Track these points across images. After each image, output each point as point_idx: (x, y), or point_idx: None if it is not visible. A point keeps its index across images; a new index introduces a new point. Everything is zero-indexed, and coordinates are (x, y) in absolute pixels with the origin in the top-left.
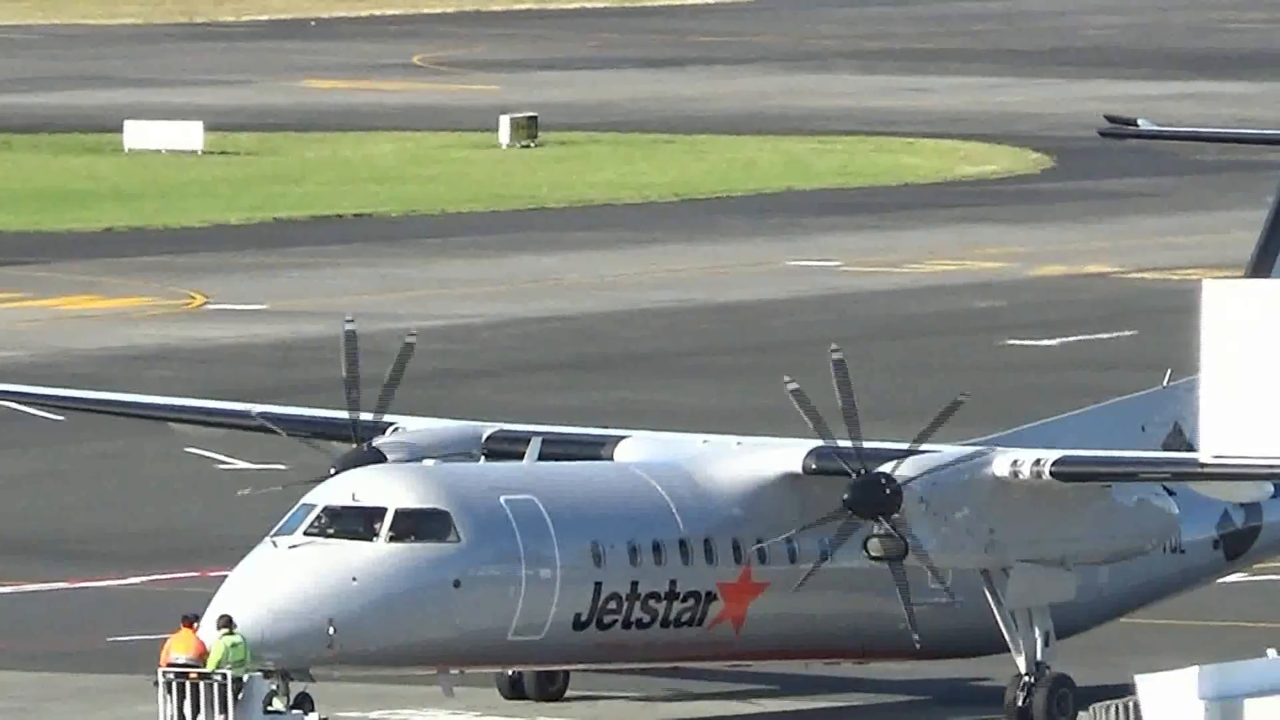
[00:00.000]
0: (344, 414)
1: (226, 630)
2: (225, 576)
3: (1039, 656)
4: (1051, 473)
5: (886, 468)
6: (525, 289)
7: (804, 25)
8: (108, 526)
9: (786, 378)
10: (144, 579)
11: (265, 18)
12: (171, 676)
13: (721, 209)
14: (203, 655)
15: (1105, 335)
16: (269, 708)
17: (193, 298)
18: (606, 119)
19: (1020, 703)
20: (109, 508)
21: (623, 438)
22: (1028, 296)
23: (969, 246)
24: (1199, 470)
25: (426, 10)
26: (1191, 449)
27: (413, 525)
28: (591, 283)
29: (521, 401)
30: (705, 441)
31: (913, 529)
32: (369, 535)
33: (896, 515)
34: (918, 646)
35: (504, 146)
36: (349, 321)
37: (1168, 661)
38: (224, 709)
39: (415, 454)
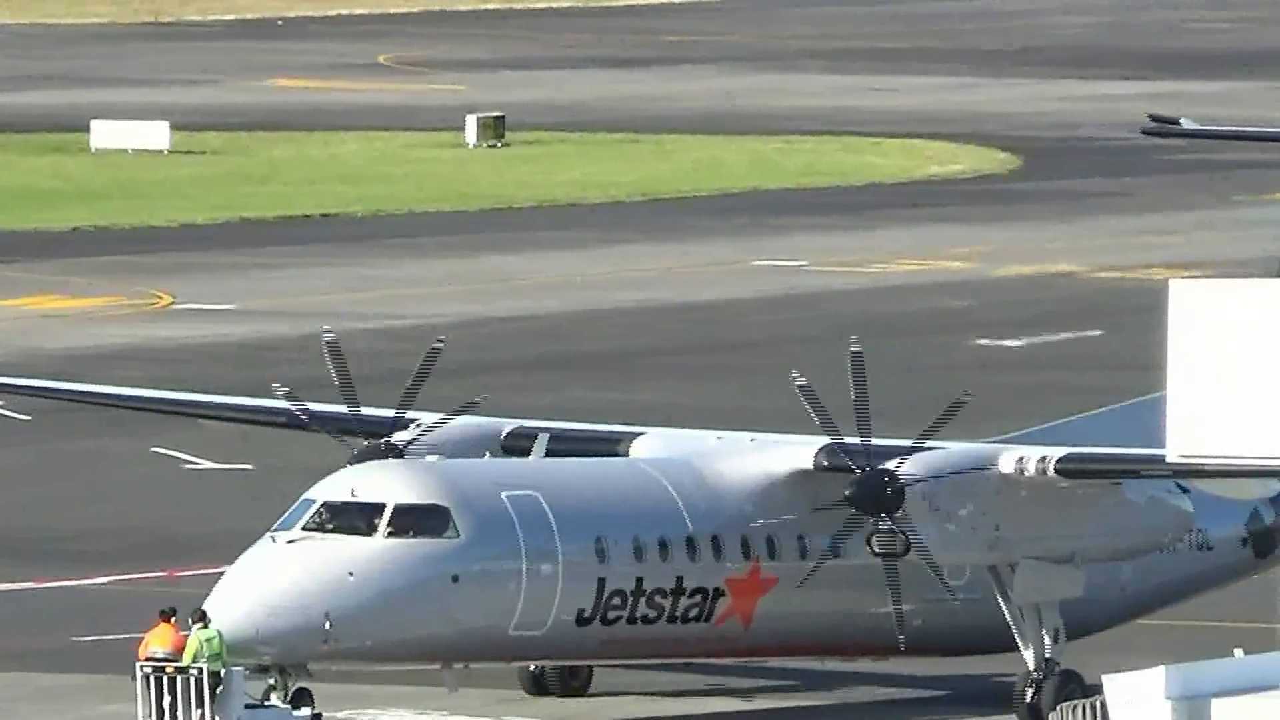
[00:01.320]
0: (375, 411)
1: (202, 624)
2: (191, 576)
3: (1048, 653)
4: (1056, 469)
5: (889, 465)
6: (491, 289)
7: (770, 25)
8: (74, 526)
9: (795, 373)
10: (110, 578)
11: (232, 17)
12: (149, 671)
13: (688, 209)
14: (181, 649)
15: (1072, 335)
16: (266, 702)
17: (160, 297)
18: (573, 119)
19: (1029, 699)
20: (75, 507)
21: (639, 434)
22: (995, 296)
23: (936, 246)
24: (1204, 468)
25: (393, 10)
26: None
27: (411, 521)
28: (558, 282)
29: (488, 402)
30: (719, 438)
31: (915, 526)
32: (367, 531)
33: (899, 512)
34: (901, 648)
35: (471, 146)
36: (328, 333)
37: (1176, 660)
38: (200, 703)
39: (433, 450)
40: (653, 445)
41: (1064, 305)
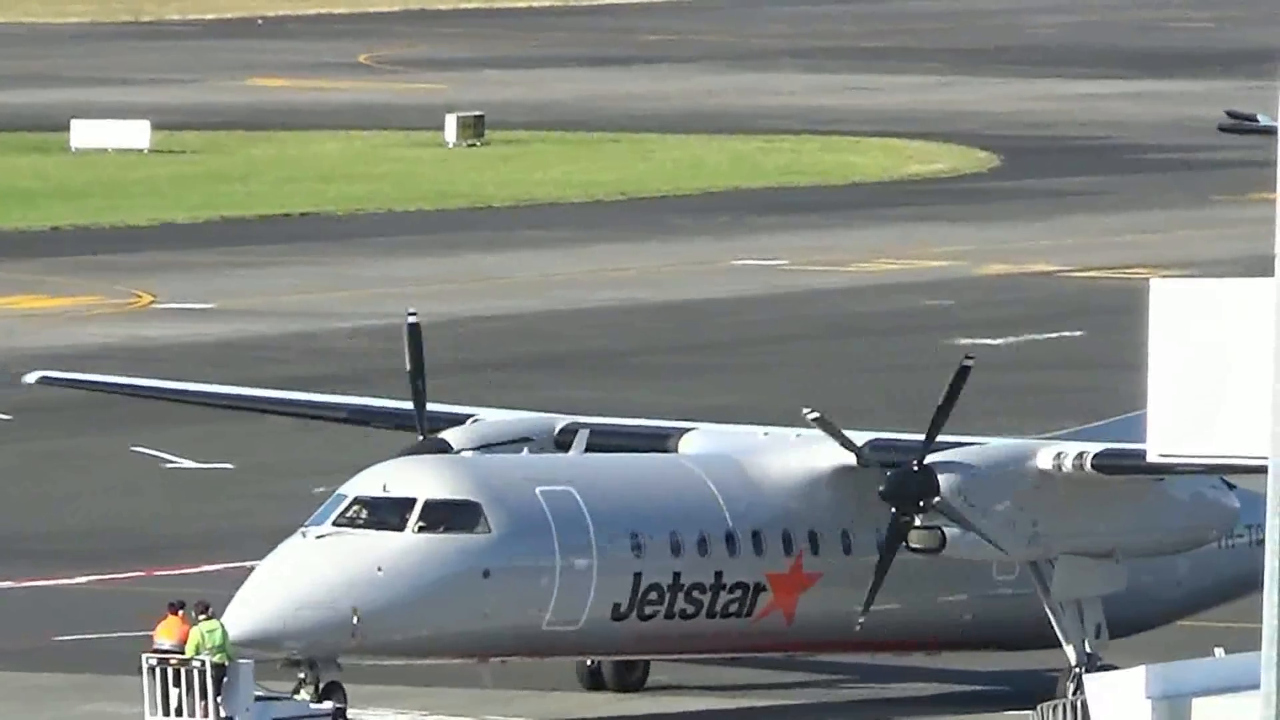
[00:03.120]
0: (434, 407)
1: (204, 615)
2: (169, 576)
3: (1089, 648)
4: (1093, 465)
5: (926, 460)
6: (471, 288)
7: (750, 24)
8: (54, 525)
9: (806, 410)
10: (90, 578)
11: (212, 17)
12: (155, 662)
13: (668, 208)
14: (186, 641)
15: (1052, 334)
16: (295, 697)
17: (139, 297)
18: (553, 118)
19: (1070, 694)
20: (55, 506)
21: (687, 430)
22: (975, 295)
23: (916, 245)
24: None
25: (373, 9)
26: None
27: (442, 516)
28: (538, 281)
29: (468, 401)
30: (766, 434)
31: (950, 522)
32: (398, 526)
33: (938, 500)
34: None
35: (450, 145)
36: (411, 314)
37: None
38: (204, 694)
39: (482, 446)
40: (700, 441)
41: (1044, 305)
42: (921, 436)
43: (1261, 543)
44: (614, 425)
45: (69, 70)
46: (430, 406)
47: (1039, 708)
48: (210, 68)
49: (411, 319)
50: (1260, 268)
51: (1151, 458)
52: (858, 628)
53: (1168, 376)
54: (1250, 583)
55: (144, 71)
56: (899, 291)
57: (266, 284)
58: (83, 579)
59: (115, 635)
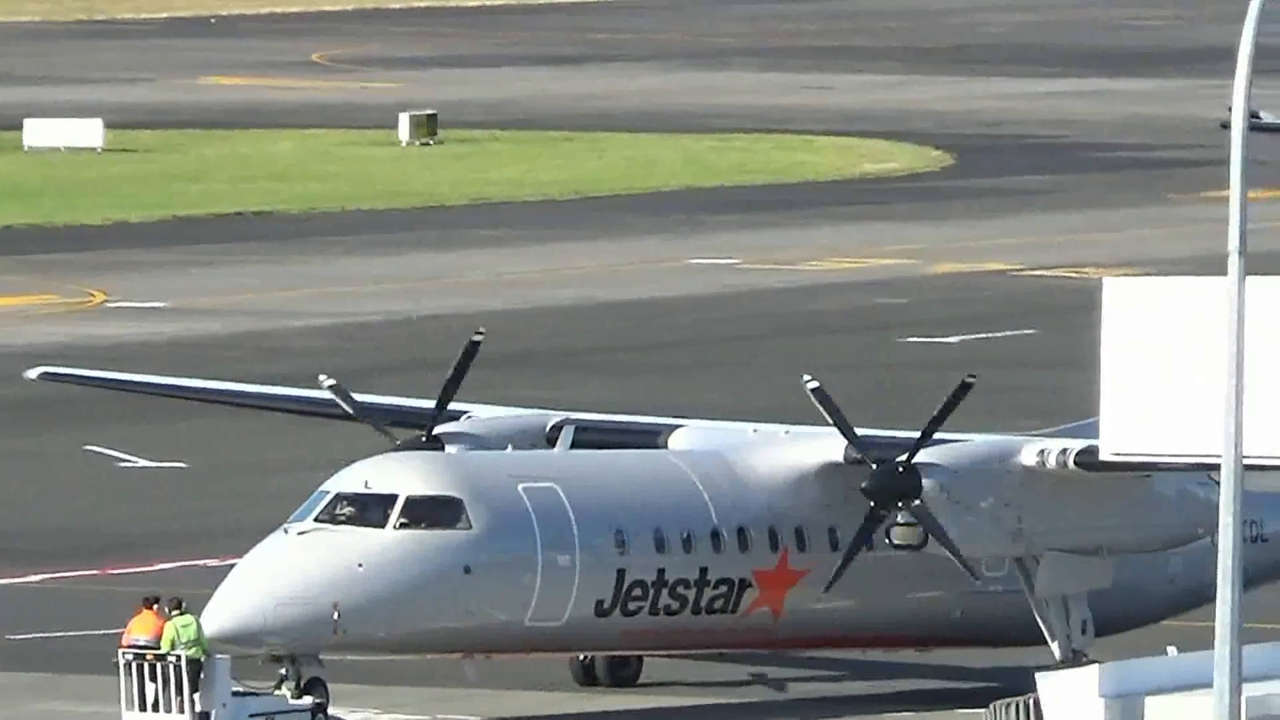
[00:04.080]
0: (416, 402)
1: (178, 611)
2: (125, 574)
3: (1075, 645)
4: (1076, 462)
5: (908, 457)
6: (425, 287)
7: (704, 23)
8: (7, 524)
9: (806, 376)
10: (43, 576)
11: (165, 15)
12: (130, 658)
13: (622, 207)
14: (161, 636)
15: (1005, 333)
16: (276, 692)
17: (93, 296)
18: (507, 116)
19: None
20: (8, 505)
21: (677, 427)
22: (928, 294)
23: (869, 244)
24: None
25: (326, 8)
26: None
27: (423, 512)
28: (492, 281)
29: (423, 400)
30: (755, 430)
31: (934, 517)
32: (379, 522)
33: (917, 504)
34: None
35: (404, 144)
36: (480, 333)
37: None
38: (180, 690)
39: (475, 443)
40: (689, 438)
41: (997, 303)
42: (899, 434)
43: (1256, 540)
44: (603, 422)
45: (22, 69)
46: (412, 403)
47: (992, 706)
48: (164, 66)
49: (477, 338)
50: (1214, 266)
51: (1104, 456)
52: (818, 602)
53: (1120, 375)
54: (1246, 579)
55: (97, 70)
56: (852, 290)
57: (220, 283)
58: (36, 578)
59: (69, 634)
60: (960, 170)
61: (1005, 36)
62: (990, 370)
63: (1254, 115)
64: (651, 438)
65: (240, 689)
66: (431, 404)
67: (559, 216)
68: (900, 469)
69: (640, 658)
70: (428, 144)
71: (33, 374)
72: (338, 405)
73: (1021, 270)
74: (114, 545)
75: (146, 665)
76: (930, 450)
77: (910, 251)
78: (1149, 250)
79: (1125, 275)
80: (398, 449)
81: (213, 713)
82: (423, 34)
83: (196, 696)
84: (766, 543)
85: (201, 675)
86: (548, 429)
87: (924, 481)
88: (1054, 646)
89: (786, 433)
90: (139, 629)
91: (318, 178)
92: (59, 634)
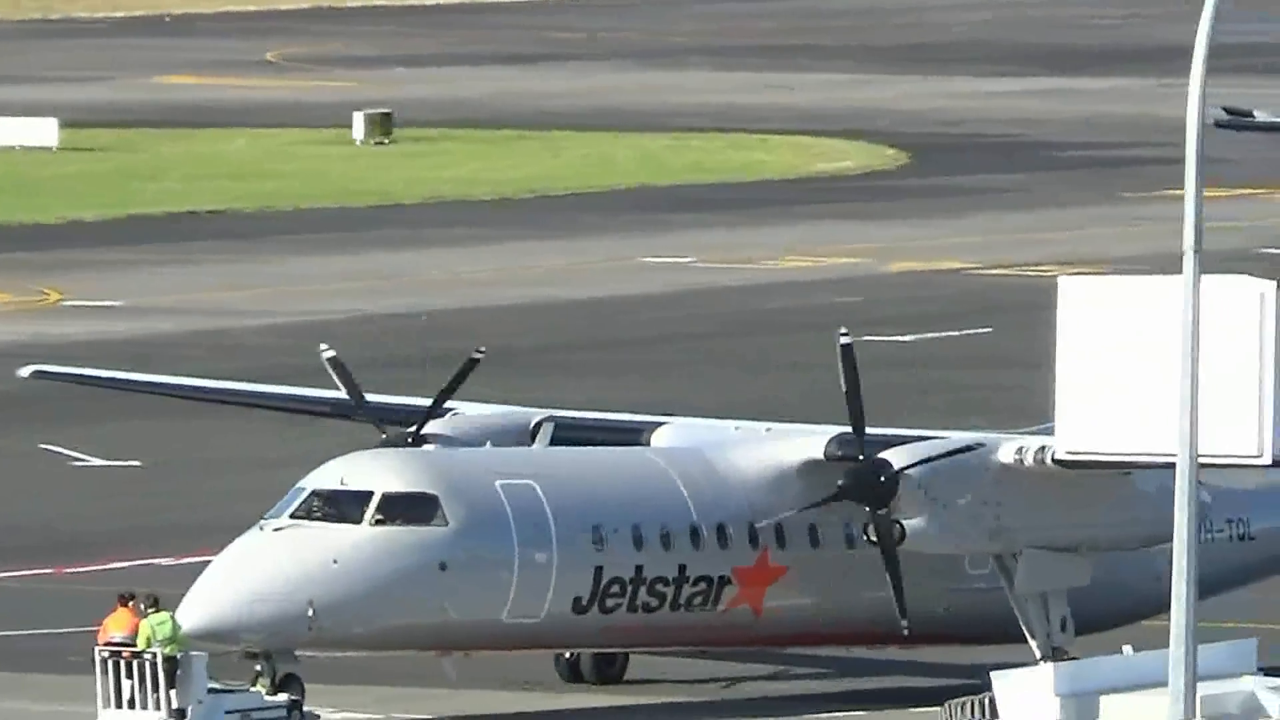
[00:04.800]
0: (410, 400)
1: (153, 608)
2: (79, 573)
3: (1055, 642)
4: (1055, 460)
5: (884, 455)
6: (380, 286)
7: (659, 22)
8: None
9: (841, 330)
10: None
11: (120, 14)
12: (107, 655)
13: (577, 205)
14: (137, 633)
15: (961, 332)
16: (252, 689)
17: (47, 294)
18: (461, 115)
19: None
20: None
21: (660, 424)
22: (883, 293)
23: (824, 243)
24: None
25: (281, 7)
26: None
27: (399, 509)
28: (447, 279)
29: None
30: (737, 428)
31: (911, 515)
32: (355, 518)
33: (893, 502)
34: (905, 633)
35: (359, 143)
36: (327, 350)
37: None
38: (156, 687)
39: (458, 440)
40: (672, 435)
41: (953, 302)
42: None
43: (1243, 538)
44: (586, 419)
45: None
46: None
47: (946, 705)
48: (119, 65)
49: (478, 355)
50: (1169, 265)
51: (1059, 455)
52: (905, 633)
53: (1075, 374)
54: (1233, 577)
55: (52, 69)
56: (807, 289)
57: (175, 282)
58: None
59: (25, 633)
60: (916, 169)
61: (961, 35)
62: (946, 369)
63: (1248, 114)
64: (635, 435)
65: (217, 686)
66: (402, 399)
67: (514, 215)
68: (879, 467)
69: (626, 655)
70: (383, 143)
71: (24, 372)
72: (335, 405)
73: (977, 269)
74: (68, 544)
75: (123, 662)
76: (908, 449)
77: (866, 250)
78: (1105, 249)
79: (1081, 274)
80: (382, 444)
81: (189, 709)
82: (377, 32)
83: (173, 693)
84: (746, 540)
85: (178, 672)
86: (531, 426)
87: (901, 480)
88: (1034, 644)
89: (768, 430)
90: (115, 626)
91: (273, 176)
92: (14, 633)
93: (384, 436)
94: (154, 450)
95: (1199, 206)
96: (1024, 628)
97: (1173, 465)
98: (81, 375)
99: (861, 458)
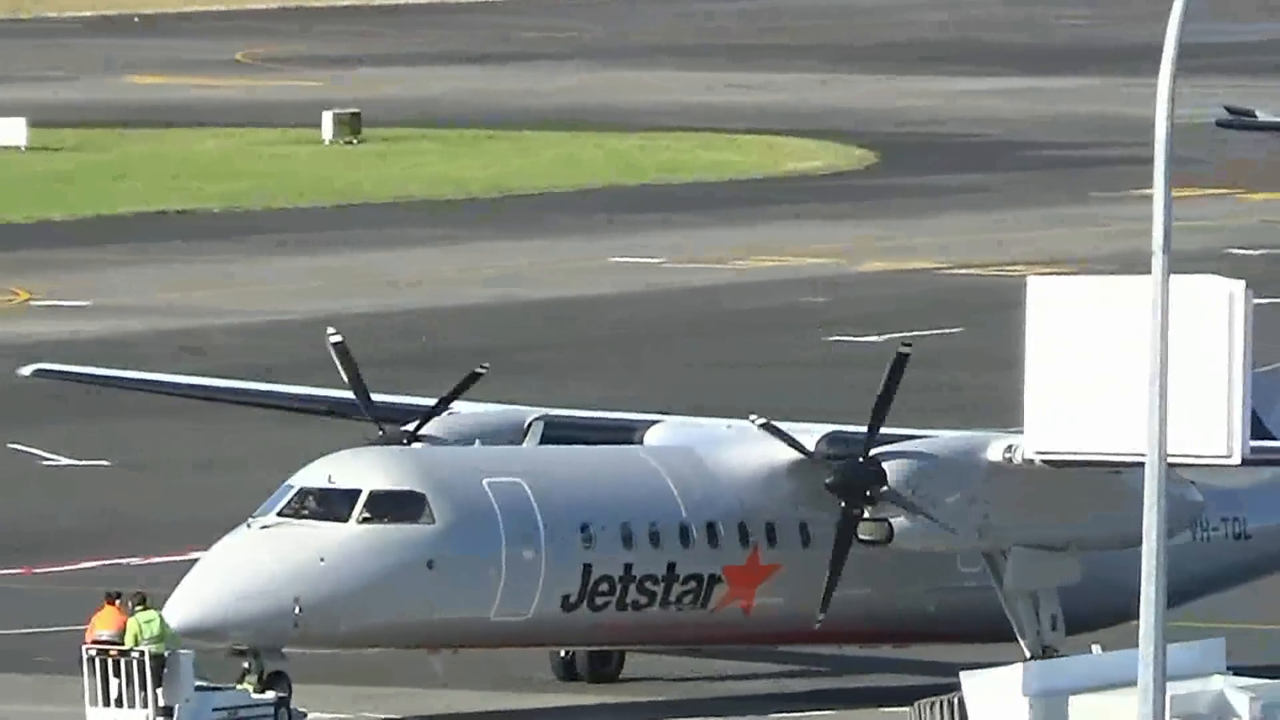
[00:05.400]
0: (410, 399)
1: (141, 606)
2: (50, 573)
3: (1045, 640)
4: (1024, 459)
5: (873, 453)
6: (348, 285)
7: (628, 21)
8: None
9: (752, 417)
10: None
11: (90, 14)
12: (94, 653)
13: (545, 205)
14: (124, 631)
15: (931, 331)
16: (239, 687)
17: (15, 294)
18: (430, 115)
19: None
20: None
21: (654, 423)
22: (852, 292)
23: (793, 243)
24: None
25: (250, 6)
26: (1270, 438)
27: (386, 507)
28: (415, 279)
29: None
30: (729, 426)
31: (899, 514)
32: (342, 516)
33: (881, 500)
34: (816, 626)
35: (327, 142)
36: (334, 334)
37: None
38: (144, 685)
39: (453, 439)
40: (665, 434)
41: (922, 302)
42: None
43: (1239, 536)
44: (580, 418)
45: None
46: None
47: (916, 705)
48: (88, 65)
49: (481, 370)
50: (1138, 265)
51: (1028, 454)
52: (816, 625)
53: (1045, 374)
54: (1230, 576)
55: (21, 68)
56: (776, 289)
57: (143, 281)
58: None
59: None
60: (884, 169)
61: (929, 35)
62: (915, 369)
63: (1250, 113)
64: (628, 434)
65: (205, 684)
66: (402, 399)
67: (483, 215)
68: (867, 465)
69: (621, 654)
70: (351, 142)
71: (25, 371)
72: (339, 403)
73: (946, 269)
74: (38, 544)
75: (110, 661)
76: (895, 447)
77: (834, 250)
78: (1073, 249)
79: (1050, 274)
80: (379, 442)
81: (176, 708)
82: (346, 32)
83: (160, 691)
84: (737, 538)
85: (165, 670)
86: (526, 424)
87: (888, 472)
88: (1024, 642)
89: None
90: (102, 624)
91: (241, 176)
92: None
93: (380, 434)
94: (122, 449)
95: (1168, 206)
96: (1014, 626)
97: (1142, 465)
98: (83, 374)
99: (849, 457)
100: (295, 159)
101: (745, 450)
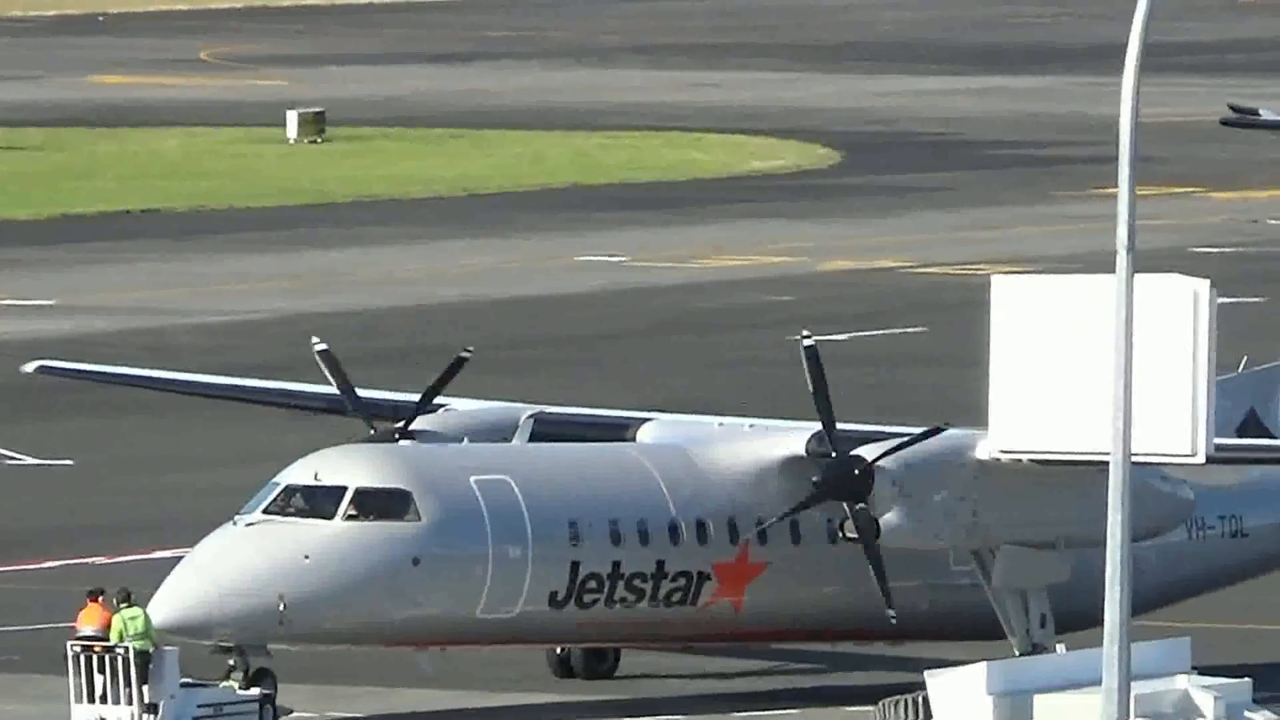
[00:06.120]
0: (400, 396)
1: (125, 603)
2: (11, 572)
3: (1035, 638)
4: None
5: (860, 451)
6: (314, 284)
7: (592, 20)
8: None
9: (805, 333)
10: None
11: (54, 13)
12: (78, 650)
13: (510, 204)
14: (108, 627)
15: (895, 330)
16: (224, 684)
17: None
18: (394, 114)
19: None
20: None
21: (646, 420)
22: (816, 292)
23: (758, 242)
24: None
25: (214, 5)
26: (1269, 435)
27: (372, 504)
28: (380, 278)
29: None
30: (720, 424)
31: (886, 511)
32: (328, 514)
33: (868, 498)
34: (893, 623)
35: (292, 141)
36: (319, 344)
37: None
38: (128, 682)
39: (446, 436)
40: (657, 432)
41: (887, 301)
42: (859, 428)
43: (1236, 535)
44: (572, 415)
45: None
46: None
47: (880, 704)
48: (52, 65)
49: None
50: (1101, 264)
51: (992, 453)
52: (892, 623)
53: (1009, 372)
54: (1227, 575)
55: None
56: (741, 288)
57: (108, 281)
58: None
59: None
60: (848, 168)
61: (893, 34)
62: (879, 367)
63: (1254, 112)
64: (620, 431)
65: (190, 680)
66: (393, 395)
67: (447, 214)
68: (854, 463)
69: (617, 651)
70: (315, 141)
71: (29, 367)
72: (331, 400)
73: (910, 268)
74: (1, 543)
75: (95, 657)
76: (884, 445)
77: (799, 249)
78: (1037, 248)
79: (1014, 273)
80: (370, 439)
81: (161, 704)
82: (311, 31)
83: (145, 688)
84: (726, 535)
85: (150, 667)
86: (521, 422)
87: (876, 476)
88: (1013, 640)
89: (750, 427)
90: (86, 621)
91: (205, 175)
92: None
93: (372, 432)
94: (85, 449)
95: (1132, 205)
96: (1003, 624)
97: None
98: (85, 371)
99: (834, 454)
100: (260, 158)
101: (736, 447)
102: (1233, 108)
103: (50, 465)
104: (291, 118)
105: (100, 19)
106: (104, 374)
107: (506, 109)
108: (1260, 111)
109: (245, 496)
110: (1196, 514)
